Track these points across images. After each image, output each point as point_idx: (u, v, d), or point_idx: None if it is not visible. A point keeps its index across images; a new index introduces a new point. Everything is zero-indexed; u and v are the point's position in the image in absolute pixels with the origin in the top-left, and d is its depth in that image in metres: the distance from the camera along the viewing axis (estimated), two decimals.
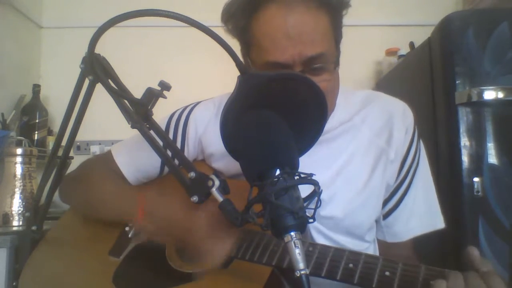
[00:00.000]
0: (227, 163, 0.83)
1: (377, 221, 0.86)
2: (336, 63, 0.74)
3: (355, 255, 0.63)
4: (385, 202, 0.84)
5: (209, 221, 0.65)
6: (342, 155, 0.81)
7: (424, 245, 0.87)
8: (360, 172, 0.81)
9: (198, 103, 0.94)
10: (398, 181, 0.83)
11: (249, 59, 0.77)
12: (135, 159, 0.88)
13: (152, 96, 0.65)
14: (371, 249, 0.85)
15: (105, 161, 0.90)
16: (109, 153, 0.91)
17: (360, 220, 0.80)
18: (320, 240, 0.78)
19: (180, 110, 0.93)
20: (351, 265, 0.61)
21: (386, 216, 0.85)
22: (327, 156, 0.81)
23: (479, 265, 0.56)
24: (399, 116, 0.84)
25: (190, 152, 0.90)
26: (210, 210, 0.66)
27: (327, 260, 0.63)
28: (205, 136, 0.88)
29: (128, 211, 0.74)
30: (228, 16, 0.78)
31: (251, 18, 0.73)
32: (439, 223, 0.84)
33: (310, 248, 0.65)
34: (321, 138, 0.79)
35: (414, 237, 0.83)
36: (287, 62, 0.70)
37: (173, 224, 0.69)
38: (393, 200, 0.84)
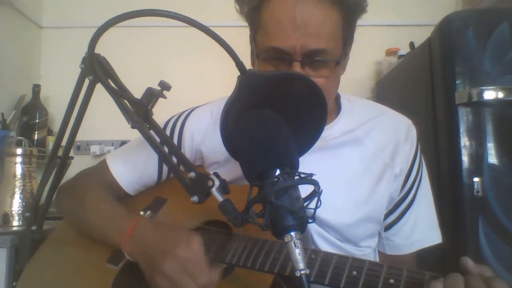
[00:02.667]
0: (230, 170, 0.83)
1: (378, 232, 0.86)
2: (338, 62, 0.74)
3: (358, 262, 0.62)
4: (388, 214, 0.84)
5: (183, 265, 0.61)
6: (345, 166, 0.81)
7: None
8: (362, 185, 0.81)
9: (193, 109, 0.93)
10: (402, 194, 0.84)
11: (255, 43, 0.77)
12: (131, 168, 0.87)
13: (152, 96, 0.65)
14: (371, 257, 0.85)
15: (100, 172, 0.88)
16: (104, 163, 0.89)
17: (360, 231, 0.80)
18: (320, 242, 0.78)
19: (176, 117, 0.92)
20: (354, 272, 0.60)
21: (387, 228, 0.85)
22: (329, 165, 0.81)
23: (477, 271, 0.55)
24: (404, 131, 0.85)
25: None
26: (199, 250, 0.62)
27: (330, 268, 0.62)
28: (205, 145, 0.87)
29: (116, 238, 0.73)
30: None
31: (263, 0, 0.73)
32: (438, 237, 0.85)
33: (313, 255, 0.64)
34: (323, 144, 0.81)
35: (416, 250, 0.84)
36: (288, 50, 0.69)
37: (152, 254, 0.66)
38: (395, 212, 0.84)
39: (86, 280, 0.80)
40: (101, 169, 0.88)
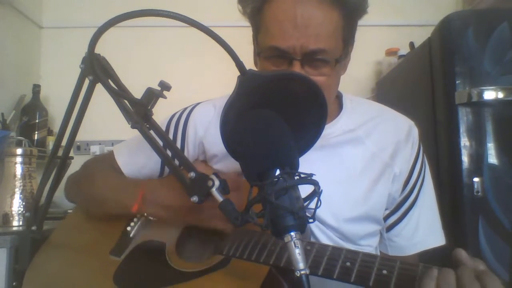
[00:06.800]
0: (229, 164, 0.83)
1: (380, 233, 0.86)
2: (338, 61, 0.74)
3: (352, 254, 0.62)
4: (390, 215, 0.85)
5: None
6: (344, 164, 0.81)
7: None
8: (361, 184, 0.81)
9: (197, 104, 0.95)
10: (404, 195, 0.84)
11: (256, 42, 0.79)
12: (136, 160, 0.89)
13: (152, 96, 0.65)
14: None
15: (108, 161, 0.91)
16: (111, 154, 0.92)
17: (358, 230, 0.80)
18: (321, 237, 0.78)
19: (180, 112, 0.93)
20: (348, 263, 0.61)
21: (390, 228, 0.85)
22: (329, 163, 0.81)
23: (470, 264, 0.55)
24: (405, 132, 0.85)
25: (190, 153, 0.90)
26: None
27: (324, 259, 0.63)
28: (207, 138, 0.88)
29: (129, 201, 0.77)
30: None
31: (265, 1, 0.74)
32: (441, 239, 0.85)
33: (308, 247, 0.65)
34: (323, 143, 0.81)
35: (418, 252, 0.84)
36: (288, 49, 0.70)
37: (175, 203, 0.73)
38: (397, 213, 0.84)
39: (88, 271, 0.81)
40: (108, 158, 0.91)
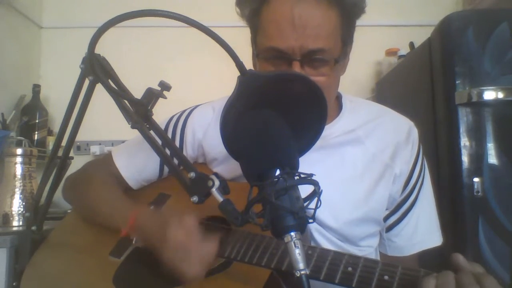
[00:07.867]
0: (230, 166, 0.83)
1: (380, 233, 0.86)
2: (337, 61, 0.74)
3: (354, 259, 0.62)
4: (390, 215, 0.85)
5: (185, 241, 0.65)
6: (344, 165, 0.81)
7: None
8: (361, 185, 0.81)
9: (196, 106, 0.94)
10: (404, 195, 0.84)
11: (255, 44, 0.79)
12: (135, 162, 0.89)
13: (152, 96, 0.65)
14: (372, 257, 0.85)
15: (106, 164, 0.90)
16: (109, 156, 0.91)
17: (359, 231, 0.81)
18: (321, 240, 0.78)
19: (179, 114, 0.93)
20: (350, 268, 0.61)
21: (389, 229, 0.85)
22: (328, 164, 0.81)
23: (468, 268, 0.55)
24: (405, 133, 0.85)
25: (189, 155, 0.90)
26: (191, 228, 0.66)
27: (326, 264, 0.63)
28: (206, 141, 0.88)
29: (120, 224, 0.77)
30: None
31: (263, 2, 0.74)
32: (439, 239, 0.86)
33: (310, 251, 0.65)
34: (323, 143, 0.81)
35: (417, 252, 0.84)
36: (287, 50, 0.71)
37: (152, 240, 0.70)
38: (397, 213, 0.85)
39: (87, 271, 0.81)
40: (107, 161, 0.91)
